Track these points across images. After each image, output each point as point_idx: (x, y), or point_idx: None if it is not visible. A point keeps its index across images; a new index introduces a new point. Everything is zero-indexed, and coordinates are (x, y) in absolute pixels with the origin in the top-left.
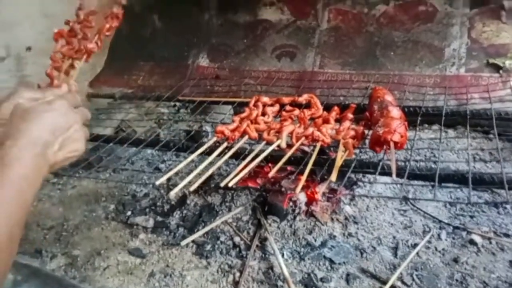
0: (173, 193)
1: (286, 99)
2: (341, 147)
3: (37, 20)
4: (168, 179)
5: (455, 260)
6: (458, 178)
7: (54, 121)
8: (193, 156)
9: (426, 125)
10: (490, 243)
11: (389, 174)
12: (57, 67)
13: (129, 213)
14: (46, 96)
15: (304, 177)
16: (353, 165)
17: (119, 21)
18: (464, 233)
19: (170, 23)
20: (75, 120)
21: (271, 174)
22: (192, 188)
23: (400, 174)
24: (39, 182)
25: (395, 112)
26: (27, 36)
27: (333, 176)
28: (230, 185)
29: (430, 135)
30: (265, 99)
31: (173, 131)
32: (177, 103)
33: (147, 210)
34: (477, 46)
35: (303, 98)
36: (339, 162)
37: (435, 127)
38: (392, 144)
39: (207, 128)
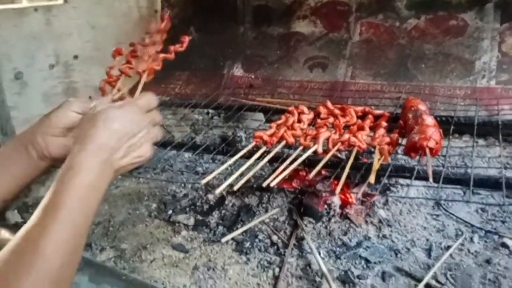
0: (218, 191)
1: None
2: (377, 153)
3: (85, 31)
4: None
5: (488, 262)
6: (491, 183)
7: (122, 127)
8: (235, 158)
9: (457, 135)
10: None
11: (424, 178)
12: (110, 82)
13: (170, 211)
14: (97, 105)
15: (342, 179)
16: (389, 169)
17: (183, 46)
18: (496, 237)
19: (206, 35)
20: (142, 126)
21: (310, 176)
22: (236, 188)
23: (435, 178)
24: (104, 188)
25: (430, 120)
26: (75, 45)
27: (372, 178)
28: (271, 185)
29: (461, 144)
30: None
31: (208, 137)
32: (211, 111)
33: (187, 209)
34: (508, 60)
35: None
36: (376, 166)
37: (466, 137)
38: (428, 150)
39: (241, 134)
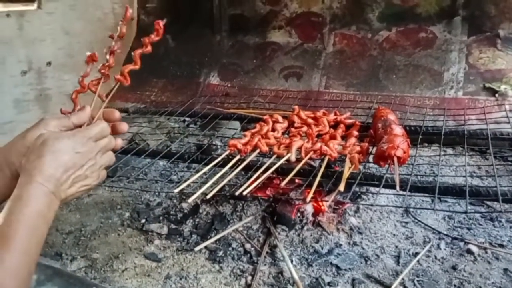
0: (191, 200)
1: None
2: (347, 161)
3: (58, 37)
4: (181, 190)
5: (454, 268)
6: (456, 191)
7: (69, 159)
8: (209, 167)
9: (426, 144)
10: (486, 252)
11: (392, 186)
12: (83, 92)
13: (143, 220)
14: (72, 122)
15: (314, 187)
16: (359, 177)
17: (159, 34)
18: (462, 244)
19: (183, 43)
20: (90, 157)
21: (283, 184)
22: (209, 196)
23: (402, 186)
24: (52, 216)
25: (398, 129)
26: (48, 51)
27: (342, 186)
28: (244, 193)
29: (430, 153)
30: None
31: (183, 145)
32: (187, 119)
33: (161, 218)
34: (474, 71)
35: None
36: (346, 174)
37: (435, 147)
38: (395, 159)
39: (217, 142)
